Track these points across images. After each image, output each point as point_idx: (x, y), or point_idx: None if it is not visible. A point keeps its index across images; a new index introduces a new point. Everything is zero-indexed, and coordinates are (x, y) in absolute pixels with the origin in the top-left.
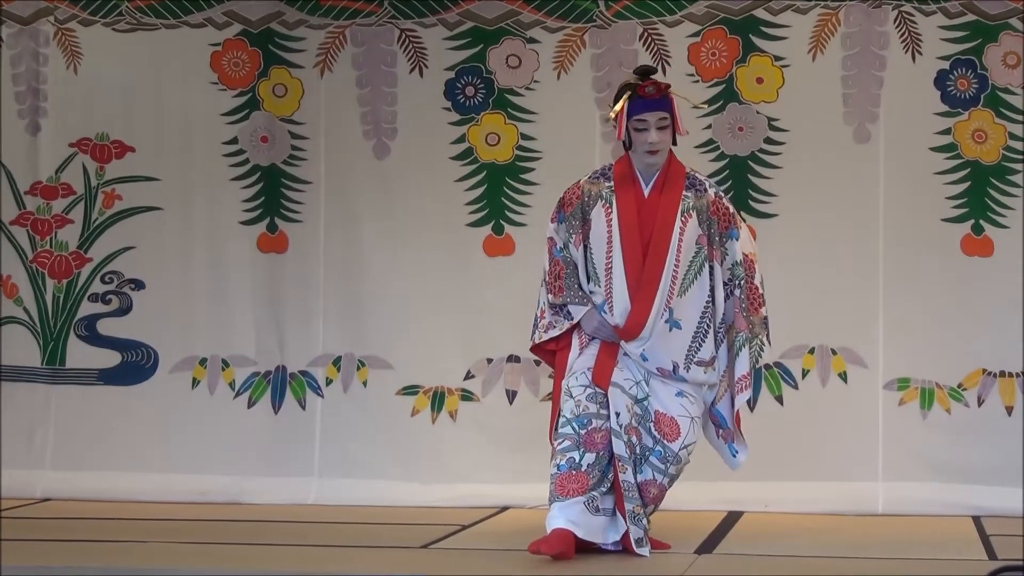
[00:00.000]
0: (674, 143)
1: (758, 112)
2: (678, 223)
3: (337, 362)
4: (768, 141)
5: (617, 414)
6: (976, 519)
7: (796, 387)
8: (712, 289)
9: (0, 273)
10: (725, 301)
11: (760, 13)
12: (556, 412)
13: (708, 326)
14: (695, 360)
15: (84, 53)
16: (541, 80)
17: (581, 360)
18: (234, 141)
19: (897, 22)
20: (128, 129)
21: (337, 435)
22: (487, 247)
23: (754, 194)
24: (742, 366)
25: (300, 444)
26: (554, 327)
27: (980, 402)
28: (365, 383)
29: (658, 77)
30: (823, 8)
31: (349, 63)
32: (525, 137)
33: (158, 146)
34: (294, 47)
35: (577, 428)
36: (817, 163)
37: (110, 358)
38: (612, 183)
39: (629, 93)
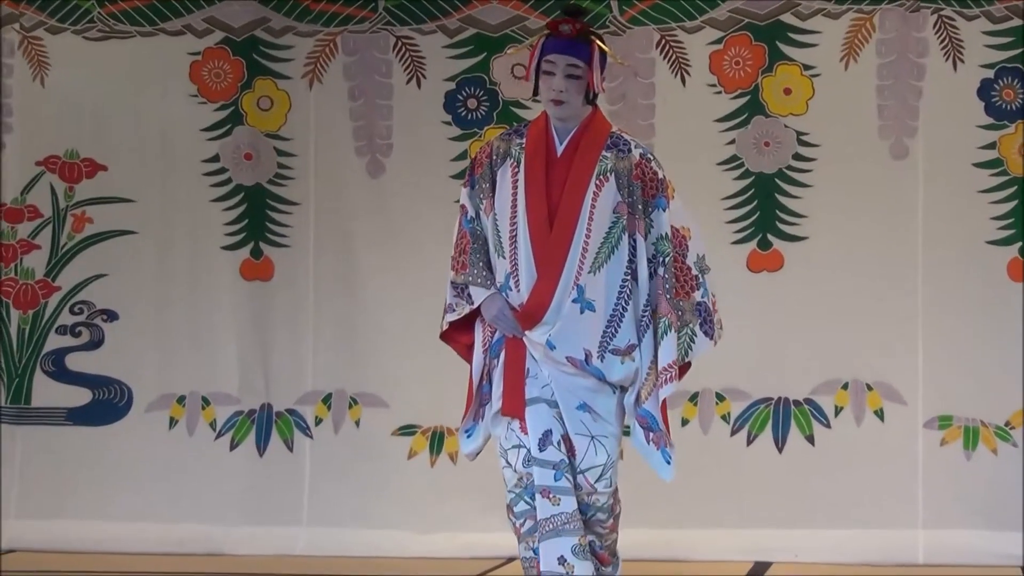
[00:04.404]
0: (589, 101)
1: (786, 126)
2: (591, 187)
3: (327, 400)
4: (797, 157)
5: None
6: None
7: (828, 426)
8: (633, 266)
9: None
10: (649, 280)
11: (787, 18)
12: (469, 408)
13: (625, 308)
14: (610, 348)
15: (52, 63)
16: None
17: (497, 394)
18: (215, 159)
19: (937, 27)
20: (100, 146)
21: (327, 480)
22: None
23: (782, 215)
24: (667, 354)
25: (287, 489)
26: (453, 310)
27: None
28: (358, 423)
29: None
30: (856, 12)
31: (340, 74)
32: None
33: (133, 164)
34: (281, 56)
35: (530, 501)
36: (850, 181)
37: (80, 396)
38: (524, 140)
39: (546, 32)
